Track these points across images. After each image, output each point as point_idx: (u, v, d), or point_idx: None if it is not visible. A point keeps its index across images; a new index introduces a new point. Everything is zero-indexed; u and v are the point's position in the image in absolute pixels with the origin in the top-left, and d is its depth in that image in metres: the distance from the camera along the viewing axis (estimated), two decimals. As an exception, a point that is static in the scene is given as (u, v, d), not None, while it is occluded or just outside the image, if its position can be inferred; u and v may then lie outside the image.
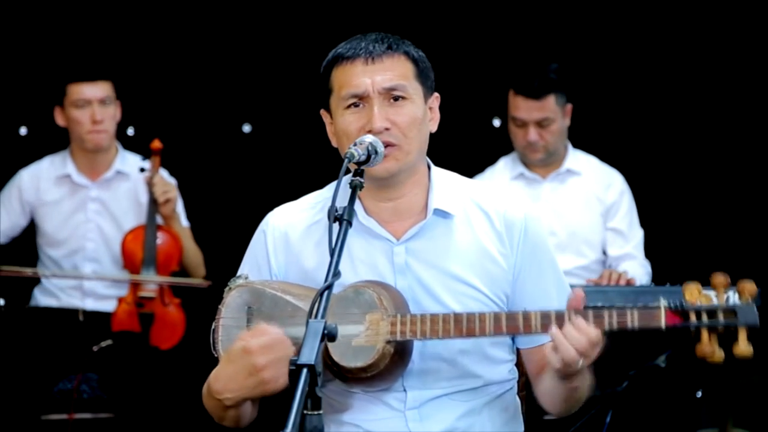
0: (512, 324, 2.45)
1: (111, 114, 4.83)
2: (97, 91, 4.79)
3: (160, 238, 4.82)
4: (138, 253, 4.79)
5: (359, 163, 2.44)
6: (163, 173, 4.93)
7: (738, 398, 4.74)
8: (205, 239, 5.06)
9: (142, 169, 4.84)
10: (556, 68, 4.72)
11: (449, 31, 5.63)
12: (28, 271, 4.91)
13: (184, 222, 4.99)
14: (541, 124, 4.65)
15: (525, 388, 2.76)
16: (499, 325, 2.45)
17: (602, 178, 4.81)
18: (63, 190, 4.93)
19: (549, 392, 2.60)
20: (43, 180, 4.94)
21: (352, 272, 2.55)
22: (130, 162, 4.94)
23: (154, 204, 4.81)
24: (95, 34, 5.61)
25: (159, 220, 4.84)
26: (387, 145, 2.52)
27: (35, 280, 4.95)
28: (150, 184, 4.80)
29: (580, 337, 2.39)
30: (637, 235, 4.78)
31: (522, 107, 4.65)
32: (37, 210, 4.93)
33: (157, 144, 4.84)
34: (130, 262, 4.80)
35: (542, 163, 4.77)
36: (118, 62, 5.36)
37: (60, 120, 4.86)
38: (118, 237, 4.85)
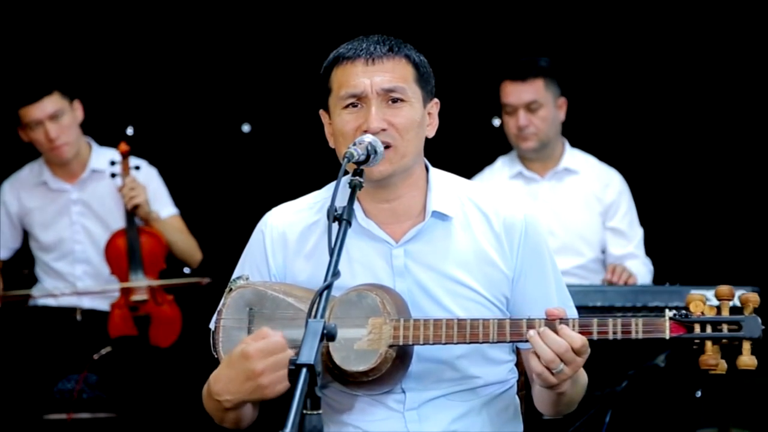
0: (516, 331, 2.44)
1: (66, 125, 4.78)
2: (44, 108, 4.73)
3: (142, 240, 4.79)
4: (122, 258, 4.77)
5: (358, 163, 2.43)
6: (142, 163, 4.89)
7: (738, 398, 4.73)
8: (205, 239, 5.06)
9: (113, 175, 4.81)
10: (547, 60, 4.75)
11: (450, 31, 5.64)
12: (24, 293, 4.91)
13: (171, 210, 4.97)
14: (530, 107, 4.65)
15: (525, 387, 2.76)
16: (502, 332, 2.45)
17: (601, 177, 4.81)
18: (43, 196, 4.92)
19: (538, 396, 2.62)
20: (23, 189, 4.94)
21: (349, 274, 2.55)
22: (104, 158, 4.90)
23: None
24: (36, 47, 5.56)
25: (138, 221, 4.82)
26: (384, 145, 2.51)
27: (33, 281, 4.96)
28: (120, 191, 4.78)
29: (561, 341, 2.38)
30: (637, 234, 4.79)
31: (510, 92, 4.67)
32: (24, 218, 4.93)
33: (123, 147, 4.79)
34: (116, 268, 4.78)
35: (536, 156, 4.76)
36: (64, 65, 5.31)
37: (24, 138, 4.84)
38: (105, 235, 4.84)
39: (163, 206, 4.93)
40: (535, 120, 4.67)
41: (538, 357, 2.39)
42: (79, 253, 4.89)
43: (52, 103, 4.74)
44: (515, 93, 4.66)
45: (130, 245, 4.77)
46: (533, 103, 4.66)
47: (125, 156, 4.79)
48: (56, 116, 4.75)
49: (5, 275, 4.92)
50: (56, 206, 4.91)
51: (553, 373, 2.39)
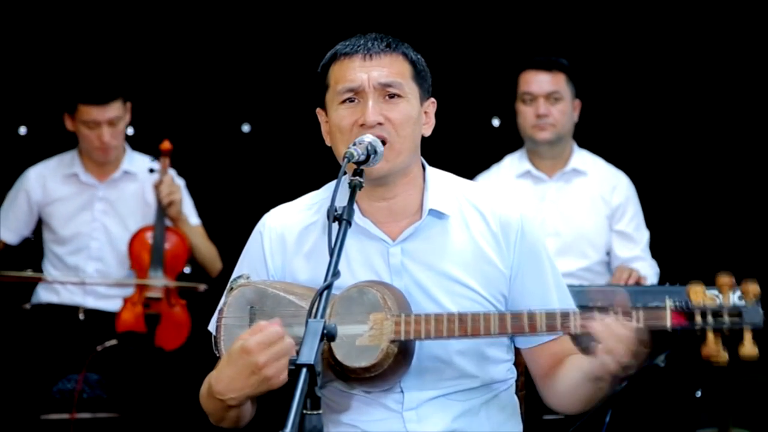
0: (517, 324, 2.45)
1: (120, 130, 4.84)
2: (107, 113, 4.77)
3: (168, 240, 4.83)
4: (145, 254, 4.80)
5: (358, 163, 2.43)
6: (171, 173, 4.93)
7: (738, 398, 4.73)
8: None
9: (152, 170, 4.85)
10: (567, 61, 4.77)
11: (449, 31, 5.64)
12: (30, 275, 4.91)
13: (195, 220, 5.01)
14: (551, 97, 4.67)
15: (524, 387, 2.76)
16: (503, 325, 2.45)
17: (608, 180, 4.80)
18: (70, 188, 4.94)
19: (570, 392, 2.58)
20: (49, 178, 4.94)
21: (348, 273, 2.54)
22: (137, 162, 4.96)
23: (162, 206, 4.82)
24: (108, 50, 5.58)
25: (168, 221, 4.85)
26: (380, 140, 2.51)
27: (38, 279, 4.96)
28: (156, 187, 4.81)
29: (628, 334, 2.38)
30: (644, 237, 4.78)
31: (533, 81, 4.69)
32: (44, 208, 4.94)
33: (166, 145, 4.85)
34: (137, 263, 4.81)
35: (549, 152, 4.75)
36: (131, 77, 5.33)
37: (69, 126, 4.86)
38: (124, 237, 4.87)
39: (187, 216, 4.96)
40: (554, 111, 4.68)
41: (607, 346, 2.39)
42: (95, 251, 4.90)
43: (114, 109, 4.78)
44: (538, 82, 4.68)
45: (156, 242, 4.80)
46: (555, 93, 4.68)
47: (167, 154, 4.82)
48: (114, 122, 4.79)
49: (8, 270, 4.91)
50: (81, 200, 4.93)
51: (618, 363, 2.39)
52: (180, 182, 5.00)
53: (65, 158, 4.99)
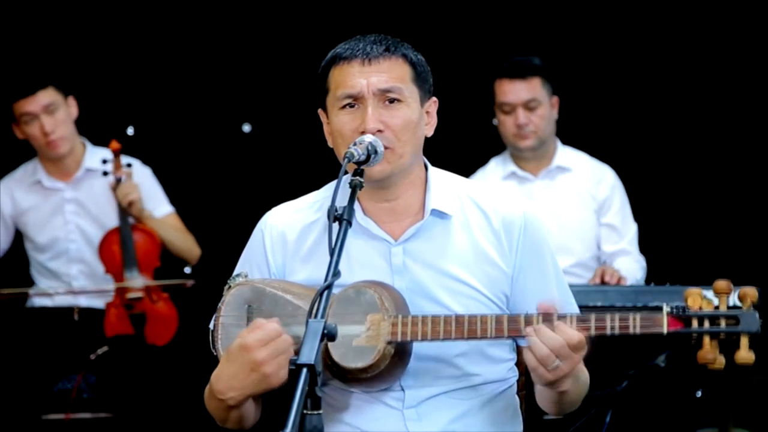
0: (514, 327, 2.44)
1: (61, 118, 4.78)
2: (39, 101, 4.72)
3: (136, 238, 4.79)
4: (117, 256, 4.77)
5: (359, 163, 2.44)
6: (135, 163, 4.88)
7: (738, 398, 4.73)
8: (205, 239, 5.06)
9: (105, 173, 4.81)
10: (540, 59, 4.77)
11: (449, 30, 5.64)
12: (19, 290, 4.90)
13: (165, 209, 4.97)
14: (528, 105, 4.67)
15: (525, 387, 2.76)
16: (500, 328, 2.45)
17: (593, 174, 4.81)
18: (37, 195, 4.92)
19: (540, 395, 2.60)
20: (16, 189, 4.93)
21: (349, 273, 2.53)
22: (98, 157, 4.89)
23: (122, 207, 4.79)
24: (31, 43, 5.54)
25: (132, 219, 4.82)
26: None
27: (29, 283, 4.95)
28: (113, 189, 4.77)
29: (556, 337, 2.37)
30: (631, 230, 4.79)
31: (509, 90, 4.68)
32: (18, 219, 4.93)
33: (115, 145, 4.79)
34: (111, 267, 4.78)
35: (533, 154, 4.76)
36: (59, 62, 5.28)
37: (18, 135, 4.84)
38: (99, 234, 4.84)
39: (158, 205, 4.93)
40: (534, 118, 4.68)
41: (533, 353, 2.39)
42: (74, 253, 4.89)
43: (46, 96, 4.73)
44: (514, 91, 4.67)
45: (124, 243, 4.77)
46: (532, 101, 4.67)
47: (117, 154, 4.79)
48: (51, 109, 4.74)
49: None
50: (50, 205, 4.91)
51: (548, 370, 2.38)
52: (146, 171, 4.96)
53: (29, 167, 4.97)
